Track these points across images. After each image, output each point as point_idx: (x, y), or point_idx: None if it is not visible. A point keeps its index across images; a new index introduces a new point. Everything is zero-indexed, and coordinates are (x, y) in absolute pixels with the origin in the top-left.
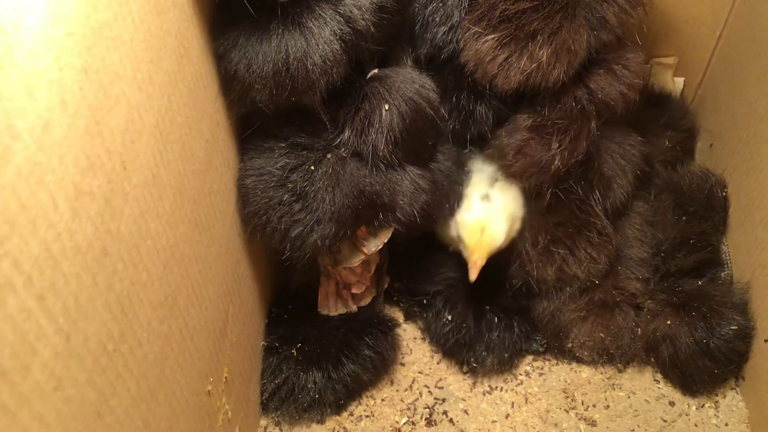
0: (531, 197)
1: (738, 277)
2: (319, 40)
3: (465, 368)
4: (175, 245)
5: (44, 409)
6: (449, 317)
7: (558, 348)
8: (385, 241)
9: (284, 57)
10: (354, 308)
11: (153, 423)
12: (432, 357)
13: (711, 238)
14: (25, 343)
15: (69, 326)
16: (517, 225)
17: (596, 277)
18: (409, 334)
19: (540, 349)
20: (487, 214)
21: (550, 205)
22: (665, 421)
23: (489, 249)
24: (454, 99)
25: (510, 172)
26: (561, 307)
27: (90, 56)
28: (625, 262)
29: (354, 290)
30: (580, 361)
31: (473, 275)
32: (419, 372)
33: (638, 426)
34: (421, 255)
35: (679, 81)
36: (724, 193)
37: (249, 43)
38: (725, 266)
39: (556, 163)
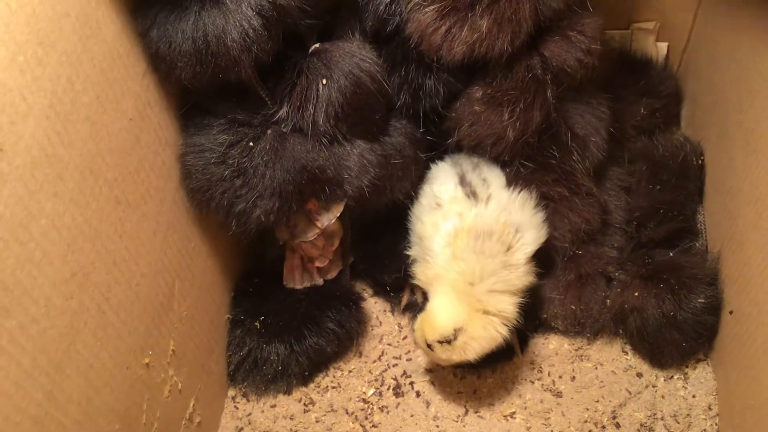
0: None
1: (711, 247)
2: (236, 17)
3: None
4: (86, 223)
5: None
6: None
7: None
8: (338, 215)
9: (203, 34)
10: (320, 281)
11: (59, 395)
12: (401, 330)
13: (684, 207)
14: None
15: None
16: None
17: (583, 245)
18: (378, 306)
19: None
20: None
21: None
22: (630, 392)
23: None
24: (403, 72)
25: (466, 146)
26: (540, 281)
27: None
28: (603, 229)
29: (317, 263)
30: (550, 332)
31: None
32: (388, 344)
33: (603, 397)
34: (381, 242)
35: (663, 46)
36: (700, 161)
37: (168, 21)
38: (700, 236)
39: (508, 134)
